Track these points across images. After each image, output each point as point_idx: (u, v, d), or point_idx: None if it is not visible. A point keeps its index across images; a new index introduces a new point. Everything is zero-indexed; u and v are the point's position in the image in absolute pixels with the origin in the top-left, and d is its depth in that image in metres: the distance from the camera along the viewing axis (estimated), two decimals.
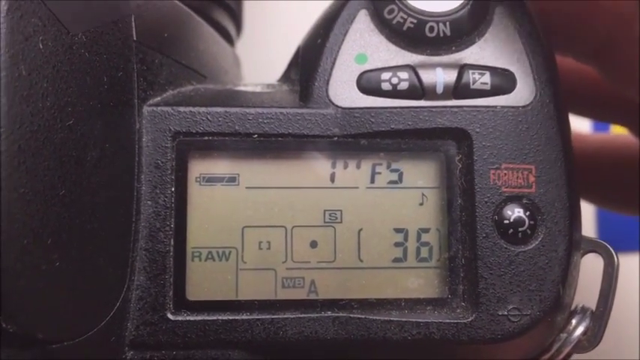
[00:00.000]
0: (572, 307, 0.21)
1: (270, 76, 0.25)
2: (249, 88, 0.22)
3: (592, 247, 0.21)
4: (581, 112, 0.31)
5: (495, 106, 0.20)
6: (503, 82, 0.20)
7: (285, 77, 0.23)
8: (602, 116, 0.32)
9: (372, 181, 0.21)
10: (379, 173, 0.21)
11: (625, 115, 0.29)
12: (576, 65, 0.25)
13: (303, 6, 0.31)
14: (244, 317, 0.20)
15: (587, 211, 0.44)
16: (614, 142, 0.32)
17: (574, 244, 0.20)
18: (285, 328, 0.19)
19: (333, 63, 0.21)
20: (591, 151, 0.31)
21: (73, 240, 0.18)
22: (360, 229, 0.20)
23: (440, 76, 0.20)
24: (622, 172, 0.30)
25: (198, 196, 0.20)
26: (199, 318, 0.19)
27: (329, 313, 0.20)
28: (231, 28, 0.30)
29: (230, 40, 0.30)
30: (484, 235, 0.20)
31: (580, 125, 0.43)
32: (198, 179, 0.20)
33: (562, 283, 0.20)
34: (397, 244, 0.20)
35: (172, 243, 0.20)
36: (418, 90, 0.20)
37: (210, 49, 0.26)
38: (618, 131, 0.45)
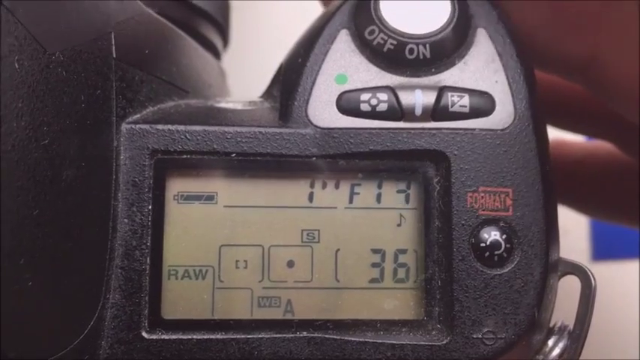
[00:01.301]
0: (551, 324, 0.21)
1: (257, 88, 0.25)
2: (230, 105, 0.22)
3: (569, 269, 0.21)
4: (570, 128, 0.31)
5: (474, 129, 0.20)
6: (482, 104, 0.20)
7: (268, 94, 0.23)
8: (590, 131, 0.32)
9: (351, 201, 0.21)
10: (357, 194, 0.21)
11: (613, 130, 0.29)
12: (563, 81, 0.25)
13: (291, 18, 0.31)
14: (219, 337, 0.19)
15: (580, 220, 0.45)
16: (606, 150, 0.32)
17: (550, 267, 0.20)
18: (260, 348, 0.19)
19: (313, 83, 0.21)
20: (583, 158, 0.32)
21: (46, 259, 0.18)
22: (338, 250, 0.20)
23: (419, 98, 0.20)
24: (617, 181, 0.30)
25: (176, 215, 0.20)
26: (174, 337, 0.19)
27: (304, 333, 0.20)
28: (217, 41, 0.30)
29: (216, 53, 0.30)
30: (460, 257, 0.20)
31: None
32: (176, 197, 0.20)
33: (537, 306, 0.20)
34: (374, 265, 0.20)
35: (148, 261, 0.20)
36: (397, 111, 0.20)
37: (193, 63, 0.26)
38: None
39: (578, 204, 0.32)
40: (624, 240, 0.45)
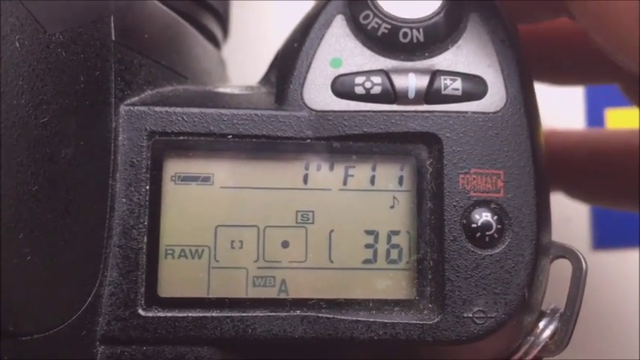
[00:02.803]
0: (543, 308, 0.22)
1: (256, 78, 0.26)
2: (228, 90, 0.23)
3: (561, 252, 0.22)
4: (570, 78, 0.30)
5: (466, 112, 0.20)
6: (475, 88, 0.21)
7: (265, 79, 0.24)
8: (591, 77, 0.31)
9: (345, 183, 0.21)
10: (352, 176, 0.21)
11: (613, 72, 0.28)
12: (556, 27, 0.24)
13: (292, 9, 0.31)
14: (214, 314, 0.20)
15: (581, 208, 0.45)
16: (597, 135, 0.32)
17: (541, 249, 0.20)
18: (255, 326, 0.20)
19: (309, 66, 0.21)
20: (575, 145, 0.32)
21: (45, 235, 0.18)
22: (332, 231, 0.21)
23: (412, 82, 0.20)
24: (617, 167, 0.30)
25: (173, 195, 0.21)
26: (170, 314, 0.20)
27: (298, 312, 0.20)
28: (217, 30, 0.31)
29: (216, 43, 0.31)
30: (452, 238, 0.20)
31: (574, 120, 0.43)
32: (174, 178, 0.21)
33: (528, 286, 0.20)
34: (368, 246, 0.21)
35: (145, 240, 0.20)
36: (390, 95, 0.20)
37: (193, 51, 0.26)
38: (613, 126, 0.45)
39: (574, 191, 0.32)
40: (625, 228, 0.45)
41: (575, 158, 0.32)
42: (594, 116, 0.47)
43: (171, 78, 0.23)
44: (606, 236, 0.47)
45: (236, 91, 0.23)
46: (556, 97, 0.39)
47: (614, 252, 0.46)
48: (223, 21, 0.31)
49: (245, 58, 0.35)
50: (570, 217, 0.45)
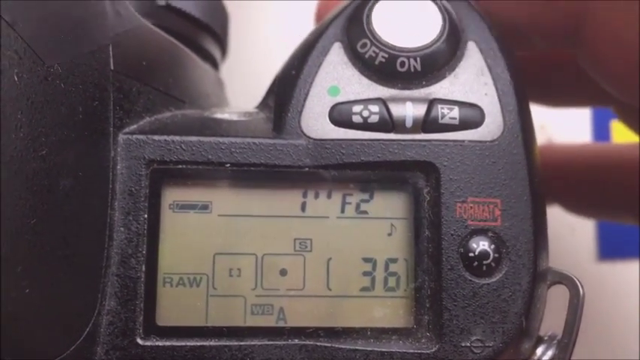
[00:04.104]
0: (541, 333, 0.22)
1: (255, 98, 0.26)
2: (226, 116, 0.23)
3: (558, 278, 0.22)
4: (568, 101, 0.30)
5: (463, 141, 0.21)
6: (472, 117, 0.21)
7: (263, 104, 0.24)
8: (589, 101, 0.31)
9: (343, 210, 0.21)
10: (349, 203, 0.21)
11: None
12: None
13: (290, 29, 0.32)
14: (212, 343, 0.20)
15: (587, 220, 0.45)
16: (593, 150, 0.32)
17: (538, 277, 0.20)
18: (253, 355, 0.20)
19: (307, 94, 0.21)
20: (572, 160, 0.32)
21: (43, 267, 0.18)
22: (330, 258, 0.21)
23: (409, 111, 0.21)
24: (615, 180, 0.31)
25: (171, 223, 0.21)
26: (168, 343, 0.20)
27: (296, 340, 0.20)
28: (215, 51, 0.31)
29: (214, 64, 0.31)
30: (449, 267, 0.20)
31: (580, 132, 0.44)
32: (172, 206, 0.21)
33: (525, 315, 0.20)
34: (365, 274, 0.21)
35: (144, 269, 0.20)
36: (388, 123, 0.21)
37: (190, 74, 0.26)
38: (619, 138, 0.45)
39: (572, 205, 0.32)
40: (631, 239, 0.45)
41: (574, 172, 0.32)
42: (600, 128, 0.47)
43: (169, 103, 0.23)
44: (611, 247, 0.47)
45: (234, 117, 0.23)
46: (562, 110, 0.39)
47: (619, 263, 0.47)
48: (221, 41, 0.31)
49: (244, 77, 0.35)
50: (575, 228, 0.45)
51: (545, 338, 0.22)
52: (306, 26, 0.25)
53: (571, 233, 0.45)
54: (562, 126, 0.45)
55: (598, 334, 0.44)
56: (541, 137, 0.48)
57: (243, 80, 0.35)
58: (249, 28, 0.38)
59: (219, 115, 0.23)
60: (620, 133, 0.47)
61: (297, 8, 0.37)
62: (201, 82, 0.28)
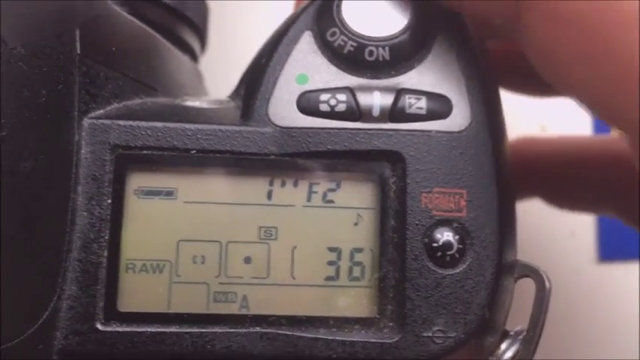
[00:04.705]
0: (508, 330, 0.22)
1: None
2: (197, 104, 0.23)
3: (525, 271, 0.22)
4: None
5: (430, 131, 0.20)
6: (439, 107, 0.21)
7: (236, 93, 0.24)
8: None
9: (309, 199, 0.21)
10: (316, 192, 0.21)
11: None
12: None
13: (270, 21, 0.32)
14: (173, 330, 0.20)
15: (587, 221, 0.45)
16: (584, 144, 0.32)
17: (503, 269, 0.20)
18: (214, 342, 0.20)
19: (275, 82, 0.21)
20: (554, 153, 0.32)
21: (3, 248, 0.18)
22: (295, 247, 0.21)
23: (377, 100, 0.20)
24: (594, 173, 0.30)
25: (135, 209, 0.20)
26: (129, 329, 0.20)
27: (257, 328, 0.20)
28: (194, 42, 0.31)
29: (193, 55, 0.31)
30: (413, 257, 0.20)
31: (580, 121, 0.44)
32: (136, 192, 0.21)
33: (488, 306, 0.20)
34: (330, 263, 0.21)
35: (106, 254, 0.20)
36: (355, 112, 0.20)
37: (165, 63, 0.26)
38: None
39: (551, 197, 0.32)
40: (631, 241, 0.45)
41: (553, 164, 0.32)
42: (601, 130, 0.47)
43: (139, 90, 0.23)
44: (612, 249, 0.47)
45: (204, 105, 0.23)
46: (562, 110, 0.39)
47: (619, 264, 0.47)
48: (200, 33, 0.31)
49: (224, 69, 0.35)
50: (575, 231, 0.46)
51: (511, 333, 0.22)
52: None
53: (571, 236, 0.45)
54: (562, 127, 0.45)
55: (598, 336, 0.44)
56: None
57: (225, 72, 0.35)
58: (230, 20, 0.38)
59: (189, 103, 0.23)
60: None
61: (280, 3, 0.37)
62: (176, 72, 0.28)
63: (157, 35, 0.26)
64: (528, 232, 0.48)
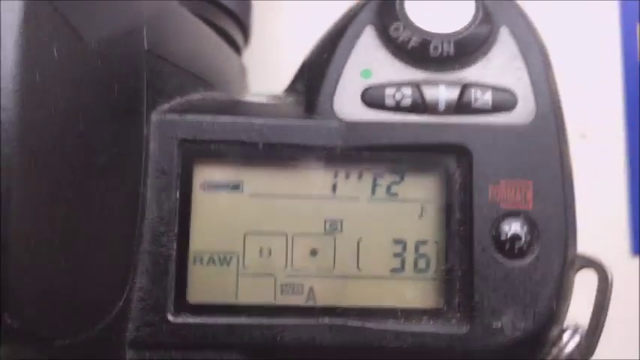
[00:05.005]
0: (565, 323, 0.22)
1: (275, 85, 0.26)
2: (255, 99, 0.23)
3: (586, 264, 0.22)
4: None
5: (496, 124, 0.21)
6: (504, 100, 0.21)
7: (291, 89, 0.24)
8: None
9: (373, 192, 0.21)
10: (380, 185, 0.21)
11: None
12: None
13: (312, 18, 0.32)
14: (242, 321, 0.20)
15: (620, 216, 0.45)
16: None
17: (569, 261, 0.20)
18: (283, 333, 0.20)
19: (339, 77, 0.21)
20: None
21: (78, 241, 0.18)
22: (360, 239, 0.21)
23: (442, 93, 0.21)
24: None
25: (202, 202, 0.21)
26: (198, 320, 0.20)
27: (326, 320, 0.20)
28: (238, 36, 0.31)
29: (237, 49, 0.31)
30: (481, 249, 0.20)
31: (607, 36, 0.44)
32: (203, 185, 0.21)
33: (556, 298, 0.20)
34: (396, 255, 0.21)
35: (175, 247, 0.20)
36: (421, 106, 0.21)
37: (216, 57, 0.26)
38: None
39: None
40: None
41: None
42: (633, 124, 0.48)
43: (198, 85, 0.23)
44: None
45: (264, 100, 0.23)
46: (589, 12, 0.39)
47: None
48: (244, 26, 0.31)
49: (265, 65, 0.35)
50: (608, 225, 0.46)
51: (572, 324, 0.22)
52: (329, 16, 0.25)
53: (604, 229, 0.45)
54: (589, 29, 0.45)
55: (632, 331, 0.44)
56: (574, 133, 0.48)
57: (264, 67, 0.35)
58: (271, 16, 0.38)
59: (249, 98, 0.23)
60: None
61: (313, 3, 0.37)
62: (225, 66, 0.28)
63: (209, 29, 0.26)
64: None
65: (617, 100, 0.46)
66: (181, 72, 0.22)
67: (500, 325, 0.20)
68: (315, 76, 0.22)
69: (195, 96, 0.23)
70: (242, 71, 0.31)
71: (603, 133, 0.44)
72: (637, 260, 0.47)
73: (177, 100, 0.22)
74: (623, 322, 0.47)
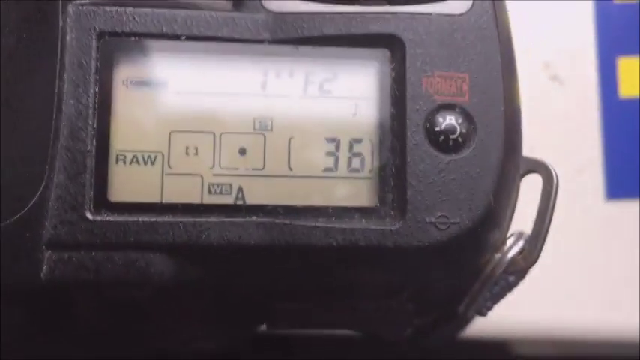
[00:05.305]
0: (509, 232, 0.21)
1: None
2: None
3: (531, 166, 0.21)
4: None
5: (430, 13, 0.20)
6: None
7: None
8: None
9: (305, 89, 0.20)
10: (312, 82, 0.20)
11: None
12: None
13: None
14: (166, 219, 0.19)
15: (594, 158, 0.44)
16: None
17: (508, 156, 0.19)
18: (208, 232, 0.19)
19: None
20: None
21: None
22: (291, 138, 0.20)
23: None
24: None
25: (124, 99, 0.20)
26: (120, 219, 0.19)
27: (254, 218, 0.19)
28: None
29: None
30: (414, 143, 0.19)
31: (585, 70, 0.43)
32: (125, 82, 0.20)
33: (494, 194, 0.19)
34: (328, 154, 0.20)
35: (94, 143, 0.19)
36: None
37: None
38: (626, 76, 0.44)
39: None
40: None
41: None
42: (606, 66, 0.46)
43: None
44: (621, 186, 0.46)
45: None
46: (565, 45, 0.38)
47: (628, 202, 0.46)
48: None
49: None
50: (582, 168, 0.45)
51: (515, 234, 0.21)
52: None
53: (578, 173, 0.44)
54: (565, 65, 0.44)
55: (607, 275, 0.43)
56: (545, 75, 0.47)
57: None
58: None
59: None
60: (628, 70, 0.46)
61: None
62: None
63: None
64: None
65: (589, 40, 0.45)
66: None
67: (434, 220, 0.19)
68: None
69: None
70: None
71: (576, 75, 0.43)
72: (611, 205, 0.46)
73: None
74: (598, 266, 0.46)
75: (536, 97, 0.45)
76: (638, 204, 0.45)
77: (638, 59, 0.47)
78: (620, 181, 0.45)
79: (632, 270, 0.44)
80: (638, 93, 0.46)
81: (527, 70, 0.37)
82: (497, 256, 0.21)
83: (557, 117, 0.45)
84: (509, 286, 0.22)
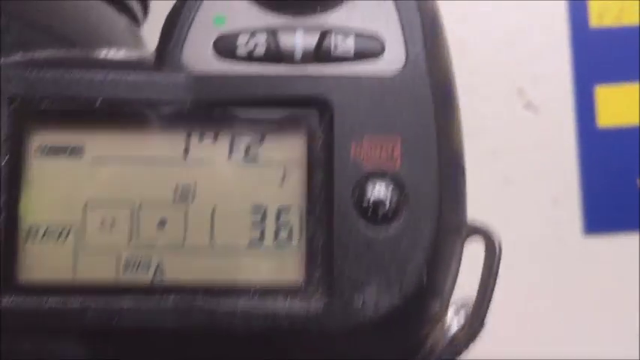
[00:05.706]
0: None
1: None
2: (111, 54, 0.21)
3: (472, 231, 0.20)
4: None
5: (359, 74, 0.18)
6: (369, 47, 0.18)
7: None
8: None
9: (230, 155, 0.19)
10: (238, 147, 0.19)
11: None
12: None
13: None
14: (78, 301, 0.18)
15: (571, 188, 0.42)
16: None
17: (445, 227, 0.18)
18: (121, 316, 0.18)
19: (190, 25, 0.19)
20: None
21: None
22: (215, 208, 0.19)
23: (299, 40, 0.18)
24: None
25: (38, 169, 0.18)
26: (28, 302, 0.18)
27: (170, 299, 0.18)
28: (136, 6, 0.29)
29: (134, 18, 0.29)
30: (341, 215, 0.18)
31: (561, 100, 0.41)
32: (37, 150, 0.19)
33: (427, 269, 0.18)
34: (255, 225, 0.19)
35: (2, 219, 0.18)
36: (275, 55, 0.18)
37: (90, 19, 0.24)
38: (604, 104, 0.43)
39: None
40: (620, 211, 0.42)
41: None
42: (584, 94, 0.45)
43: (51, 42, 0.21)
44: (600, 219, 0.43)
45: (120, 56, 0.21)
46: (542, 71, 0.37)
47: (608, 237, 0.44)
48: None
49: None
50: (558, 199, 0.43)
51: (457, 304, 0.20)
52: None
53: (553, 204, 0.43)
54: (542, 90, 0.43)
55: (588, 313, 0.42)
56: (519, 102, 0.45)
57: None
58: None
59: (103, 54, 0.21)
60: (606, 98, 0.44)
61: None
62: (108, 32, 0.26)
63: None
64: (510, 200, 0.45)
65: (565, 70, 0.44)
66: (25, 26, 0.20)
67: (361, 301, 0.17)
68: (167, 26, 0.19)
69: (45, 52, 0.21)
70: (135, 39, 0.28)
71: (552, 105, 0.42)
72: (589, 240, 0.44)
73: (17, 56, 0.20)
74: (576, 303, 0.45)
75: (509, 125, 0.44)
76: (618, 238, 0.43)
77: (616, 87, 0.45)
78: (600, 213, 0.43)
79: (611, 307, 0.42)
80: (617, 122, 0.45)
81: (502, 97, 0.36)
82: (436, 332, 0.19)
83: (532, 146, 0.44)
84: (458, 353, 0.21)
